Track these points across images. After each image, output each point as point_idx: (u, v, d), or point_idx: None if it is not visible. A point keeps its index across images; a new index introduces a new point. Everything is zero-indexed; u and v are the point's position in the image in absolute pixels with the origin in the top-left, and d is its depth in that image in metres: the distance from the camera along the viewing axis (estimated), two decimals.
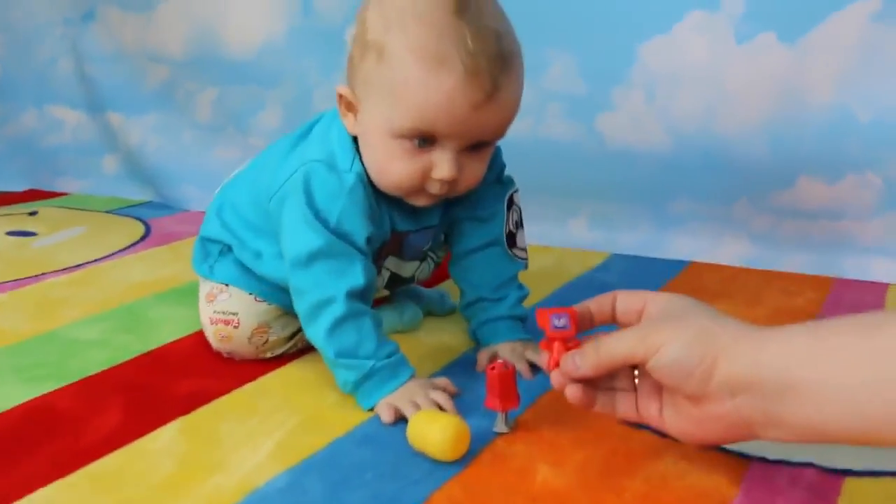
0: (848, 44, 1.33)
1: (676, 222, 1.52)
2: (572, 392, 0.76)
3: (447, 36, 0.84)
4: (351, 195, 0.95)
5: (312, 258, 0.94)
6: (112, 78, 2.09)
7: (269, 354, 1.08)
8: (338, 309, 0.93)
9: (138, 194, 2.09)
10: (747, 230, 1.46)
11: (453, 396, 0.94)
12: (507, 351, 1.04)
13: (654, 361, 0.69)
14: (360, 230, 0.95)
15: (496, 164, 1.07)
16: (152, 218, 1.89)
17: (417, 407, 0.90)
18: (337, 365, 0.95)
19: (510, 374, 0.88)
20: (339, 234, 0.95)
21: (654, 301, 0.76)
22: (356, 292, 0.94)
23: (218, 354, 1.10)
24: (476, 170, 0.94)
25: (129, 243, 1.68)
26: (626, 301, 0.78)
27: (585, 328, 0.80)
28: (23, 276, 1.45)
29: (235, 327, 1.06)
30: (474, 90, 0.85)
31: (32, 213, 1.97)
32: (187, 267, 1.46)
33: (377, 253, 1.03)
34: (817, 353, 0.63)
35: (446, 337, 1.16)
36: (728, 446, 0.82)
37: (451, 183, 0.92)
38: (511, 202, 1.08)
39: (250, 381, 1.03)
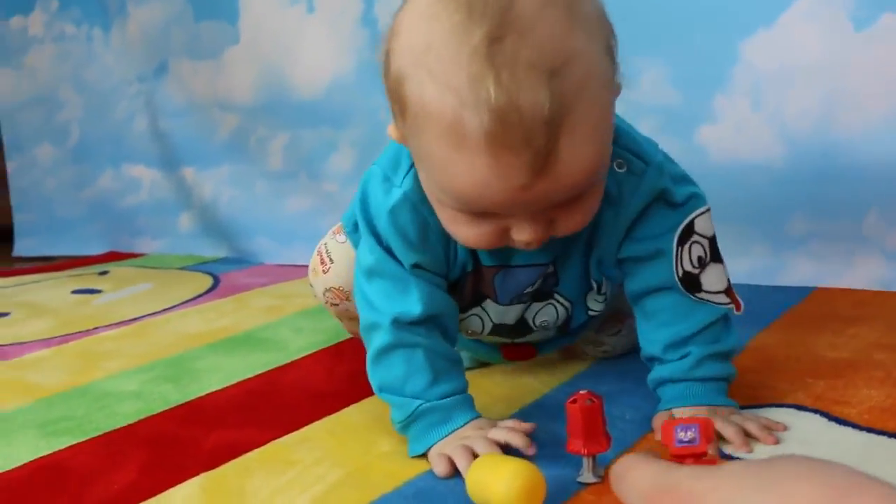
0: None
1: (796, 244, 1.32)
2: None
3: (467, 91, 0.60)
4: (392, 216, 0.78)
5: (371, 274, 0.81)
6: (185, 131, 2.04)
7: None
8: (383, 337, 0.79)
9: (214, 251, 2.01)
10: (881, 247, 1.26)
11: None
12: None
13: None
14: (402, 255, 0.79)
15: (645, 187, 0.79)
16: (224, 272, 1.79)
17: (471, 453, 0.73)
18: (384, 400, 0.81)
19: (597, 409, 0.70)
20: (389, 252, 0.80)
21: None
22: (408, 321, 0.79)
23: (261, 403, 0.96)
24: (577, 217, 0.70)
25: (193, 296, 1.57)
26: None
27: None
28: (74, 332, 1.35)
29: None
30: (510, 171, 0.62)
31: (103, 273, 1.89)
32: (247, 317, 1.37)
33: (471, 294, 0.85)
34: None
35: (527, 377, 0.99)
36: None
37: (543, 239, 0.70)
38: (689, 233, 0.80)
39: (294, 430, 0.88)
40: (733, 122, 1.33)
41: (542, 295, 0.86)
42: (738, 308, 0.83)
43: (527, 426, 0.77)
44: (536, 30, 0.60)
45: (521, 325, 0.89)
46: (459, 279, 0.84)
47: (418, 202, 0.77)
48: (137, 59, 2.10)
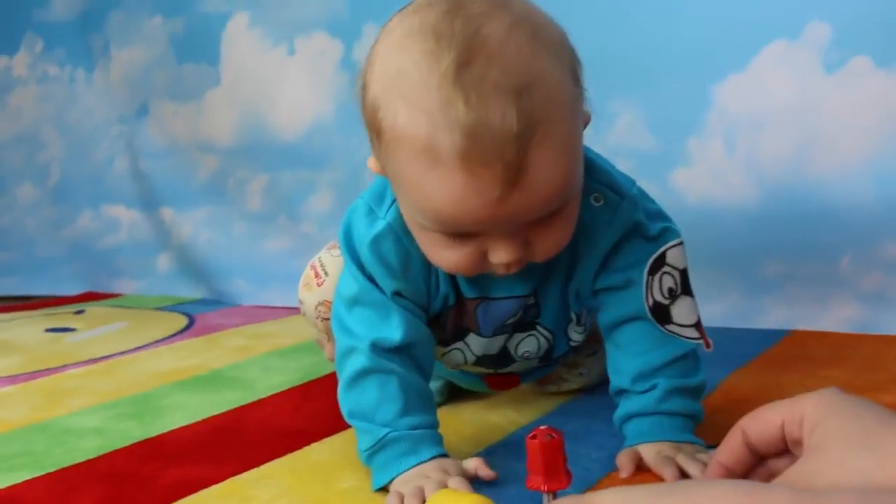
0: None
1: (770, 287, 1.32)
2: None
3: (439, 113, 0.62)
4: (374, 245, 0.78)
5: (353, 303, 0.81)
6: (165, 172, 2.03)
7: None
8: (359, 360, 0.79)
9: (191, 292, 2.00)
10: (855, 291, 1.26)
11: (491, 483, 0.75)
12: (652, 454, 0.77)
13: None
14: (384, 282, 0.80)
15: (620, 218, 0.80)
16: (199, 313, 1.78)
17: (421, 493, 0.71)
18: (353, 425, 0.80)
19: (557, 445, 0.68)
20: (372, 281, 0.81)
21: (792, 423, 0.55)
22: (387, 347, 0.79)
23: (223, 440, 0.94)
24: (551, 239, 0.71)
25: (167, 335, 1.55)
26: (758, 431, 0.59)
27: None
28: (42, 369, 1.33)
29: None
30: (484, 185, 0.63)
31: (79, 312, 1.87)
32: (217, 356, 1.36)
33: (454, 328, 0.85)
34: None
35: (493, 416, 0.97)
36: None
37: (520, 261, 0.71)
38: (660, 263, 0.81)
39: (254, 467, 0.86)
40: (707, 165, 1.34)
41: (524, 326, 0.86)
42: (707, 345, 0.82)
43: (489, 473, 0.76)
44: (502, 53, 0.63)
45: (504, 356, 0.89)
46: (441, 313, 0.84)
47: (401, 233, 0.78)
48: (119, 100, 2.10)
